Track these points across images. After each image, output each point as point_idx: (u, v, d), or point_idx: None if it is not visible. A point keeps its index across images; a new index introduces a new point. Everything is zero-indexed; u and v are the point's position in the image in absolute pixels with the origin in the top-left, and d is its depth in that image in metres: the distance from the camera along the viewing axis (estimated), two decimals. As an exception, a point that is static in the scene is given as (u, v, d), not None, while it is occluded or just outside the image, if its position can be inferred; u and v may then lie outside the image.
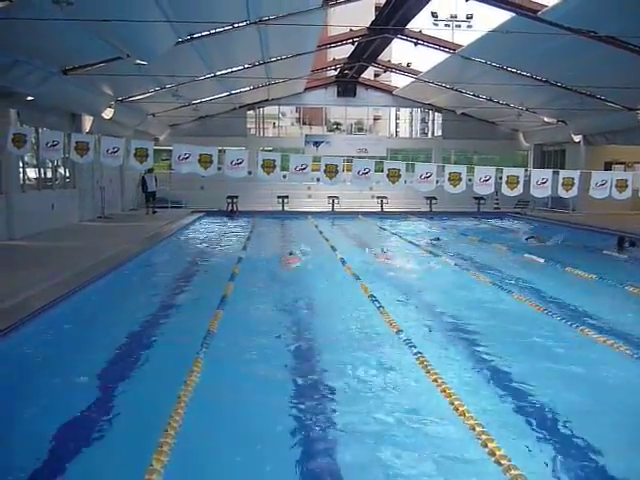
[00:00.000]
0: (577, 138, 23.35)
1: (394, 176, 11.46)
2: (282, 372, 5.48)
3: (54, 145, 10.88)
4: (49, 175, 16.37)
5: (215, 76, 18.60)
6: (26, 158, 14.44)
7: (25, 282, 8.09)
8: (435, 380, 5.05)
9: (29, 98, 13.07)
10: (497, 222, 21.43)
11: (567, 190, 11.29)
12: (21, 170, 14.26)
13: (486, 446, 3.90)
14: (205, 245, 14.83)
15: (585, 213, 21.01)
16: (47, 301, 7.18)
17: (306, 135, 28.05)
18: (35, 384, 5.14)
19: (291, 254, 12.05)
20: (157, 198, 22.38)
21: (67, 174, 17.39)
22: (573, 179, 11.29)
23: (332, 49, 24.24)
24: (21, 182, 14.22)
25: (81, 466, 3.80)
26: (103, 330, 6.83)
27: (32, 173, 15.32)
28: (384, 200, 24.02)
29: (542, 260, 11.90)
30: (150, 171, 21.27)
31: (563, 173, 11.59)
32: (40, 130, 13.72)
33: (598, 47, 13.47)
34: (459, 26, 28.67)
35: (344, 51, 24.34)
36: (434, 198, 23.32)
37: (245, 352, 5.94)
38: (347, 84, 27.50)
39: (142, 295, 9.08)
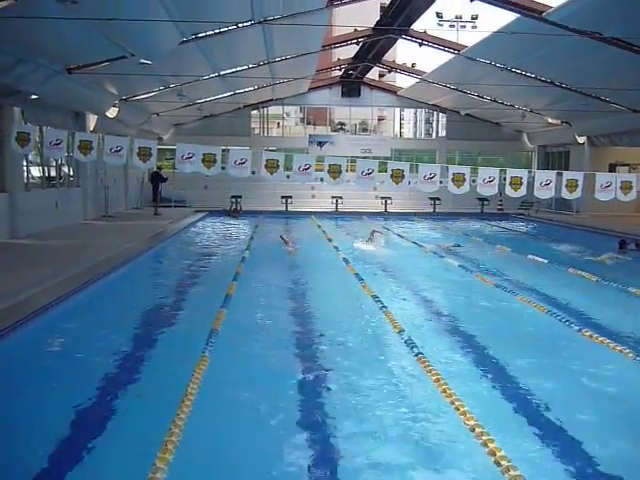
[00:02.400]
0: (581, 139, 23.29)
1: (398, 177, 11.44)
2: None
3: (58, 144, 10.91)
4: (53, 174, 16.38)
5: (219, 76, 18.62)
6: (30, 157, 14.47)
7: (28, 280, 8.08)
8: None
9: (33, 97, 13.08)
10: (501, 223, 21.34)
11: (571, 192, 11.23)
12: (25, 169, 14.27)
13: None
14: (208, 244, 14.84)
15: (589, 215, 20.96)
16: (50, 300, 7.16)
17: (310, 135, 28.04)
18: (34, 384, 5.13)
19: (287, 243, 13.58)
20: (161, 198, 22.25)
21: (71, 173, 17.40)
22: (577, 181, 11.24)
23: (337, 49, 24.24)
24: (25, 181, 14.23)
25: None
26: (110, 325, 6.84)
27: (36, 172, 15.35)
28: (388, 201, 24.01)
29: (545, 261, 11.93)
30: (159, 169, 21.32)
31: (566, 174, 11.53)
32: (44, 129, 13.74)
33: (603, 48, 13.44)
34: (464, 27, 28.66)
35: (349, 51, 24.33)
36: (438, 199, 23.32)
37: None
38: (351, 84, 27.52)
39: (151, 289, 9.16)
